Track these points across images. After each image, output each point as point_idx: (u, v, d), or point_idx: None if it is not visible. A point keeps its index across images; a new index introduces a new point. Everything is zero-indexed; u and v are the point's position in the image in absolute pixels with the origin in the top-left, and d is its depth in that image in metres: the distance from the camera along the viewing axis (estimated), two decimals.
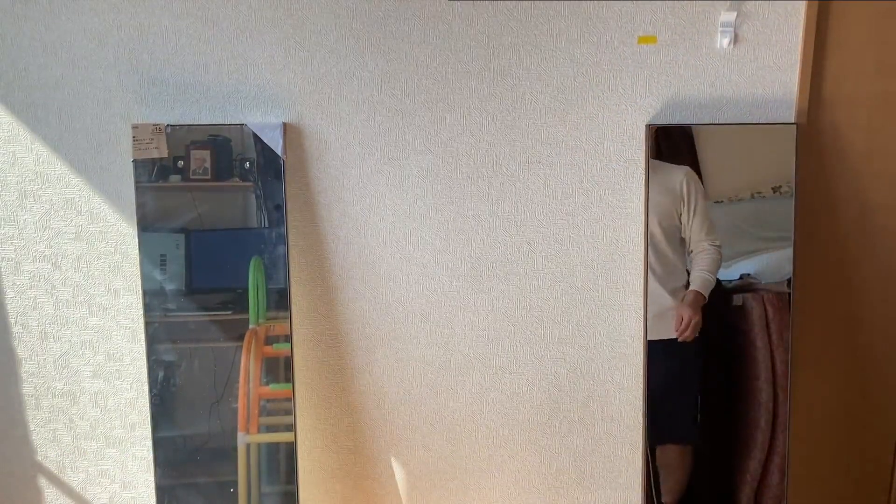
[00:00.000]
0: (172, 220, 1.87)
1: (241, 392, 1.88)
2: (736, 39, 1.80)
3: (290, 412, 1.89)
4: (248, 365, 1.87)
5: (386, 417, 2.01)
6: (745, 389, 1.90)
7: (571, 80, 1.84)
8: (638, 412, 1.98)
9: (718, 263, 1.86)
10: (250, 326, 1.88)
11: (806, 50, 1.80)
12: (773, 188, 1.85)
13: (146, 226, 1.86)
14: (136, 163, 1.84)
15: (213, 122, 1.86)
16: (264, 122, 1.85)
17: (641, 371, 1.93)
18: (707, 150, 1.85)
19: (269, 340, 1.89)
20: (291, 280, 1.89)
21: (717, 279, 1.87)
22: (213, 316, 1.89)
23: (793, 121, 1.82)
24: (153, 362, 1.89)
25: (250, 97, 1.85)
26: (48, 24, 1.82)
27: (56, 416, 1.99)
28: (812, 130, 1.84)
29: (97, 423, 1.99)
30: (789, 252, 1.85)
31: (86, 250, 1.92)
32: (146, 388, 1.91)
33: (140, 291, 1.87)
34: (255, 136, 1.84)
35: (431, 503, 2.05)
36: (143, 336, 1.89)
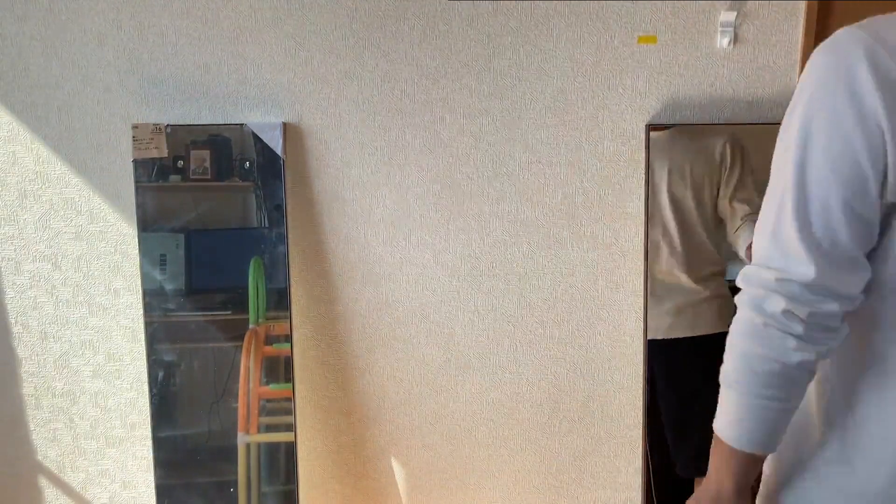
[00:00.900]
0: (172, 220, 1.87)
1: (240, 392, 1.88)
2: (736, 39, 1.80)
3: (290, 412, 1.89)
4: (248, 365, 1.87)
5: (386, 417, 2.01)
6: None
7: (571, 80, 1.84)
8: (638, 412, 1.98)
9: None
10: (250, 326, 1.88)
11: (806, 50, 1.80)
12: None
13: (146, 226, 1.86)
14: (136, 163, 1.84)
15: (213, 122, 1.86)
16: (264, 122, 1.85)
17: (641, 371, 1.93)
18: None
19: (269, 340, 1.89)
20: (291, 280, 1.89)
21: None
22: (213, 316, 1.89)
23: None
24: (153, 362, 1.89)
25: (250, 97, 1.85)
26: (48, 24, 1.82)
27: (56, 416, 1.99)
28: None
29: (97, 422, 1.99)
30: None
31: (86, 250, 1.92)
32: (146, 388, 1.91)
33: (140, 291, 1.87)
34: (255, 136, 1.84)
35: (431, 503, 2.05)
36: (143, 336, 1.89)
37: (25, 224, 1.90)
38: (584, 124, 1.86)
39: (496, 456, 2.03)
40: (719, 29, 1.79)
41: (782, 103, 1.82)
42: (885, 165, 0.74)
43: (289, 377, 1.89)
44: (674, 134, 1.83)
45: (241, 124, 1.85)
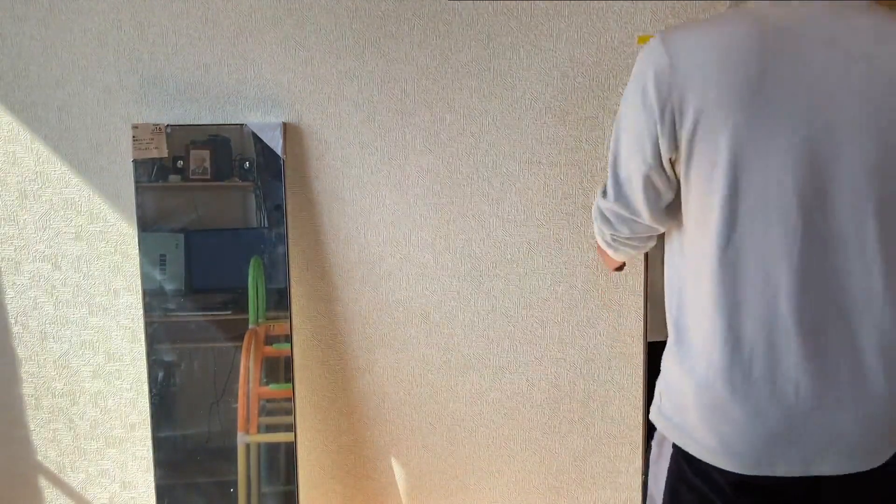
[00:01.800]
0: (172, 220, 1.87)
1: (240, 392, 1.88)
2: None
3: (290, 412, 1.89)
4: (248, 365, 1.87)
5: (386, 417, 2.01)
6: None
7: (571, 80, 1.84)
8: (638, 412, 1.98)
9: None
10: (250, 326, 1.88)
11: None
12: None
13: (146, 226, 1.86)
14: (136, 163, 1.84)
15: (213, 122, 1.86)
16: (264, 122, 1.85)
17: (641, 371, 1.93)
18: None
19: (269, 340, 1.89)
20: (291, 280, 1.89)
21: None
22: (213, 316, 1.89)
23: None
24: (153, 362, 1.89)
25: (250, 97, 1.85)
26: (48, 24, 1.82)
27: (56, 416, 1.99)
28: None
29: (97, 423, 1.99)
30: None
31: (86, 250, 1.92)
32: (146, 388, 1.91)
33: (140, 291, 1.87)
34: (255, 136, 1.84)
35: (431, 503, 2.05)
36: (143, 336, 1.89)
37: (25, 224, 1.90)
38: (584, 124, 1.86)
39: (496, 456, 2.03)
40: None
41: None
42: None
43: (289, 377, 1.89)
44: None
45: (241, 124, 1.85)
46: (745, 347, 1.02)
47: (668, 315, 1.16)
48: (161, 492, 1.90)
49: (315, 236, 1.92)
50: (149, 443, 1.92)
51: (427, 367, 1.98)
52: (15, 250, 1.92)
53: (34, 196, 1.89)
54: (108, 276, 1.93)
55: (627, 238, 1.22)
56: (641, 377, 1.94)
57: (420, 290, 1.94)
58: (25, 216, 1.90)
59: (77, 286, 1.93)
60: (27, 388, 1.98)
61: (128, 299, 1.93)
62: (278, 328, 1.88)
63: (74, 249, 1.92)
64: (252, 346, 1.87)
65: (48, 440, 2.00)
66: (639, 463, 2.00)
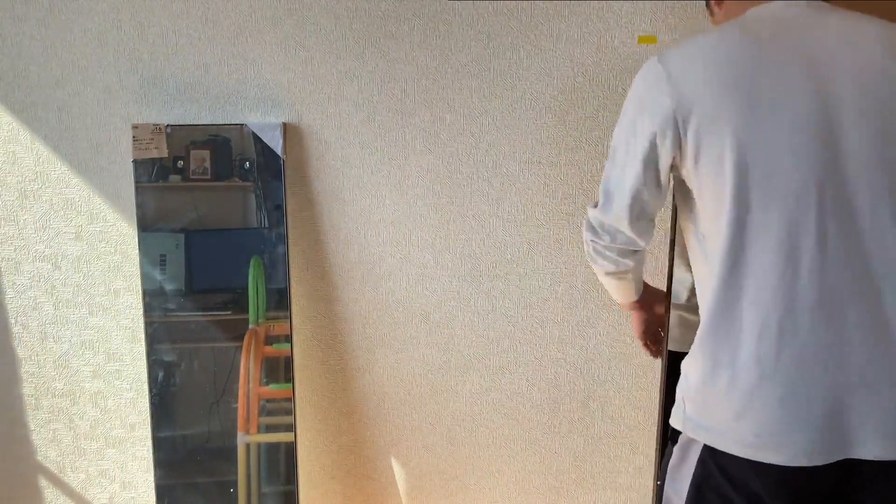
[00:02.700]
0: (172, 220, 1.87)
1: (240, 392, 1.88)
2: None
3: (290, 412, 1.89)
4: (248, 365, 1.87)
5: (386, 417, 2.01)
6: None
7: (571, 80, 1.84)
8: (638, 412, 1.98)
9: None
10: (250, 326, 1.88)
11: None
12: None
13: (146, 226, 1.86)
14: (136, 163, 1.84)
15: (213, 122, 1.86)
16: (264, 122, 1.85)
17: (642, 371, 1.93)
18: None
19: (269, 340, 1.89)
20: (291, 280, 1.89)
21: None
22: (213, 316, 1.89)
23: None
24: (153, 362, 1.89)
25: (250, 97, 1.85)
26: (48, 24, 1.82)
27: (56, 416, 1.99)
28: None
29: (97, 423, 1.99)
30: None
31: (86, 250, 1.92)
32: (146, 388, 1.91)
33: (140, 291, 1.87)
34: (255, 136, 1.84)
35: (431, 503, 2.05)
36: (143, 336, 1.89)
37: (25, 224, 1.90)
38: (584, 124, 1.86)
39: (496, 456, 2.03)
40: None
41: None
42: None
43: (289, 377, 1.89)
44: None
45: (241, 124, 1.85)
46: (772, 331, 1.01)
47: (700, 315, 1.14)
48: (161, 492, 1.90)
49: (315, 236, 1.92)
50: (149, 443, 1.92)
51: (427, 367, 1.98)
52: (15, 250, 1.92)
53: (34, 196, 1.89)
54: (108, 276, 1.93)
55: (605, 247, 1.28)
56: (658, 382, 1.94)
57: (420, 291, 1.94)
58: (25, 216, 1.90)
59: (77, 286, 1.93)
60: (27, 388, 1.98)
61: (128, 299, 1.93)
62: (278, 328, 1.88)
63: (74, 249, 1.92)
64: (252, 346, 1.87)
65: (48, 440, 2.00)
66: (639, 463, 2.00)
